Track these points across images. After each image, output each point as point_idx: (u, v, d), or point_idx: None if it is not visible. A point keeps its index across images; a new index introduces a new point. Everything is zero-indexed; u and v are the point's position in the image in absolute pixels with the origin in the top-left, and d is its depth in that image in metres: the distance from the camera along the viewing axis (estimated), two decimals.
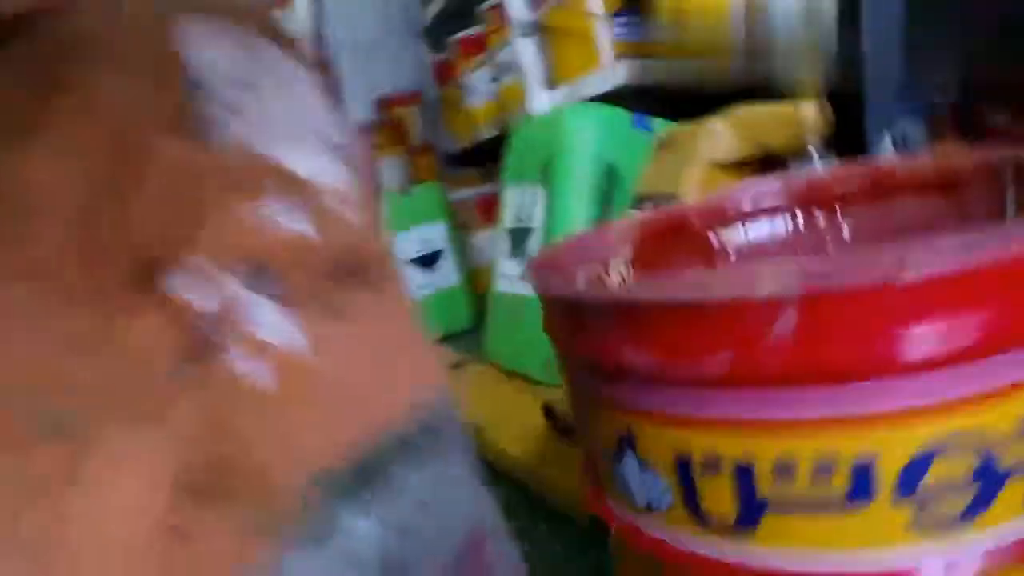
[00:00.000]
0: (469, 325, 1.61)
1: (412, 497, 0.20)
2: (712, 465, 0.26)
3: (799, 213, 0.48)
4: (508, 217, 1.02)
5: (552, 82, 1.35)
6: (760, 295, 0.22)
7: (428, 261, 1.56)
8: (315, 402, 0.19)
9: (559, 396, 0.69)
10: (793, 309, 0.22)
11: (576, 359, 0.30)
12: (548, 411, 0.70)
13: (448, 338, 1.42)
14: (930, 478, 0.24)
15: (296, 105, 0.20)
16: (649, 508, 0.29)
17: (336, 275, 0.20)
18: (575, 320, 0.29)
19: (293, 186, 0.19)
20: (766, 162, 0.65)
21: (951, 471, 0.24)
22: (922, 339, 0.22)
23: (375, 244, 0.21)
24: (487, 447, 0.75)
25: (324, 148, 0.20)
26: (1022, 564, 0.25)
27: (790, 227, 0.48)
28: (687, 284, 0.25)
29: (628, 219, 0.48)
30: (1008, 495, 0.25)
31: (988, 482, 0.24)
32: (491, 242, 1.33)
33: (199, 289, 0.18)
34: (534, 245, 0.94)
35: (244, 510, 0.18)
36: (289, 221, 0.19)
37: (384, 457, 0.20)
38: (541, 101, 1.36)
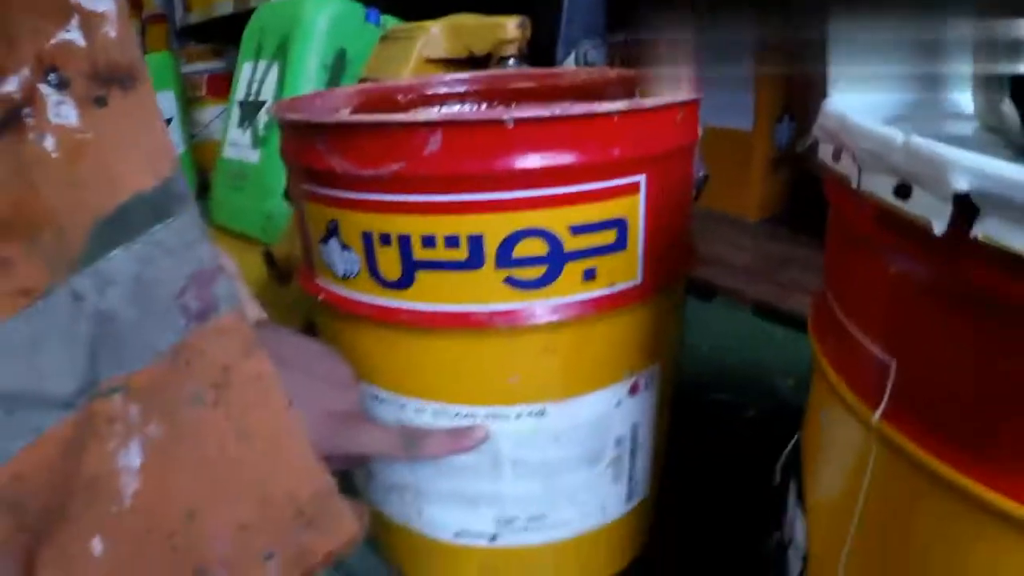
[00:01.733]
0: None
1: (155, 240, 0.29)
2: (385, 239, 0.39)
3: (482, 101, 0.62)
4: (241, 90, 1.08)
5: None
6: (418, 121, 0.35)
7: None
8: (87, 167, 0.27)
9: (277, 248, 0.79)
10: (439, 133, 0.35)
11: (301, 170, 0.42)
12: (268, 256, 0.79)
13: None
14: (516, 253, 0.39)
15: None
16: (345, 277, 0.42)
17: (100, 76, 0.27)
18: (301, 139, 0.41)
19: (72, 9, 0.27)
20: (471, 61, 0.79)
21: (531, 250, 0.39)
22: (517, 162, 0.36)
23: (129, 55, 0.28)
24: None
25: None
26: (579, 317, 0.41)
27: (473, 110, 0.62)
28: (377, 116, 0.38)
29: (351, 87, 0.60)
30: (568, 271, 0.40)
31: (554, 261, 0.39)
32: (220, 117, 1.35)
33: (11, 83, 0.26)
34: (263, 117, 1.01)
35: (45, 242, 0.27)
36: (70, 36, 0.27)
37: (136, 211, 0.28)
38: None
